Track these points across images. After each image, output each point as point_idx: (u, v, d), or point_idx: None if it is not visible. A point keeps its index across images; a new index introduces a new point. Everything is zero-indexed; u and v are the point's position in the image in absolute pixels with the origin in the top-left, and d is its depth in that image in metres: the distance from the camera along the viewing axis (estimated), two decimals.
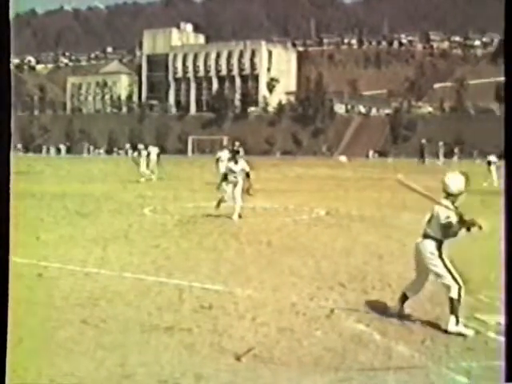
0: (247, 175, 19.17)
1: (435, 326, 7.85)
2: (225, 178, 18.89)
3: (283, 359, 6.53)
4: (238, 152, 20.46)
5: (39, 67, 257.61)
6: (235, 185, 18.48)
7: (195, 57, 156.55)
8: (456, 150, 78.92)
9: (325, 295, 9.27)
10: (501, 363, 6.52)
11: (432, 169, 52.40)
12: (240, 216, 18.35)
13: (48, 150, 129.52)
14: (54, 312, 8.13)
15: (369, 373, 6.25)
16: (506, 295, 5.10)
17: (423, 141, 69.09)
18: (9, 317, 5.20)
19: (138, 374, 6.09)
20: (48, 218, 18.30)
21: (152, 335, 7.30)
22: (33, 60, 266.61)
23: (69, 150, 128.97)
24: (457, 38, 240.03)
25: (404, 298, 8.34)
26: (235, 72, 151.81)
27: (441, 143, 77.05)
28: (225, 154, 34.56)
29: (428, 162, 62.71)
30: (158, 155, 39.96)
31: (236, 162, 18.81)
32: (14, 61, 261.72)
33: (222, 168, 21.59)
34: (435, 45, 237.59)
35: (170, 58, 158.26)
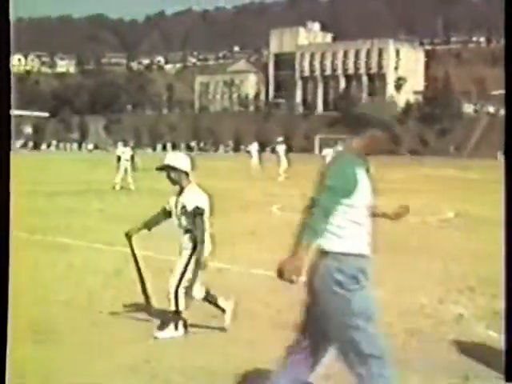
0: None
1: None
2: None
3: (411, 362, 6.47)
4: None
5: (168, 67, 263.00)
6: None
7: (322, 56, 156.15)
8: None
9: (454, 299, 9.15)
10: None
11: None
12: None
13: (173, 148, 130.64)
14: None
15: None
16: (506, 295, 4.99)
17: None
18: None
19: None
20: None
21: (282, 332, 7.39)
22: (162, 60, 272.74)
23: (199, 148, 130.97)
24: None
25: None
26: (362, 71, 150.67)
27: None
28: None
29: None
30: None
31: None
32: (144, 61, 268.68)
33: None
34: None
35: (297, 56, 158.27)
